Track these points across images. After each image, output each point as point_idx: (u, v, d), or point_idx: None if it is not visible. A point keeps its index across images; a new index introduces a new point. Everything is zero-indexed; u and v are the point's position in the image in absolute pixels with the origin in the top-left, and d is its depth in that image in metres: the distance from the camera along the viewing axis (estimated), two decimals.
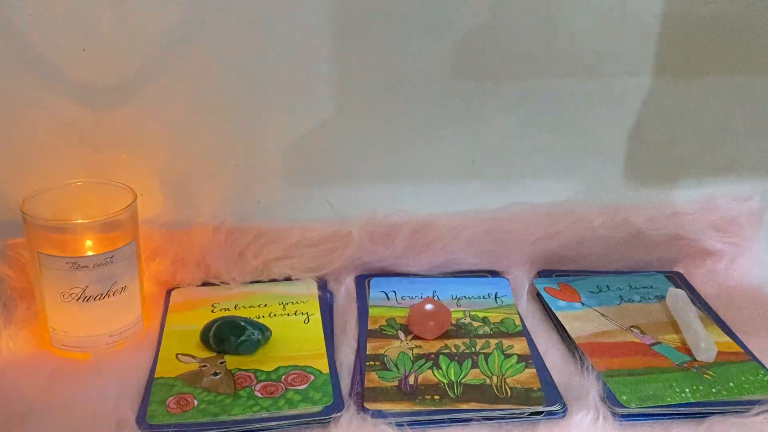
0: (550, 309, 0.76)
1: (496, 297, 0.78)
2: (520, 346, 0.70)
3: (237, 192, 0.78)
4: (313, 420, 0.61)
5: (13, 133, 0.72)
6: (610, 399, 0.63)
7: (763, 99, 0.80)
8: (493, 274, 0.82)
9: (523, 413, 0.62)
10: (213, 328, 0.69)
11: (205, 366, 0.66)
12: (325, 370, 0.66)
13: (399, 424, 0.60)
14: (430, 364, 0.67)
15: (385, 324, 0.73)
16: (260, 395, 0.63)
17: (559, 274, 0.82)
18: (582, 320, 0.74)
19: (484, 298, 0.78)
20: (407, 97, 0.76)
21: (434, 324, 0.71)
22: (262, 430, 0.60)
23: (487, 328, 0.73)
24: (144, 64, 0.71)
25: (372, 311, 0.75)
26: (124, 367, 0.65)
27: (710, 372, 0.67)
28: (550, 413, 0.62)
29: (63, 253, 0.66)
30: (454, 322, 0.73)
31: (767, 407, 0.62)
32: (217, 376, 0.65)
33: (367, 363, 0.67)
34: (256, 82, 0.73)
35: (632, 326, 0.74)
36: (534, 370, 0.67)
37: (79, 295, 0.66)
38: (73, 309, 0.66)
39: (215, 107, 0.74)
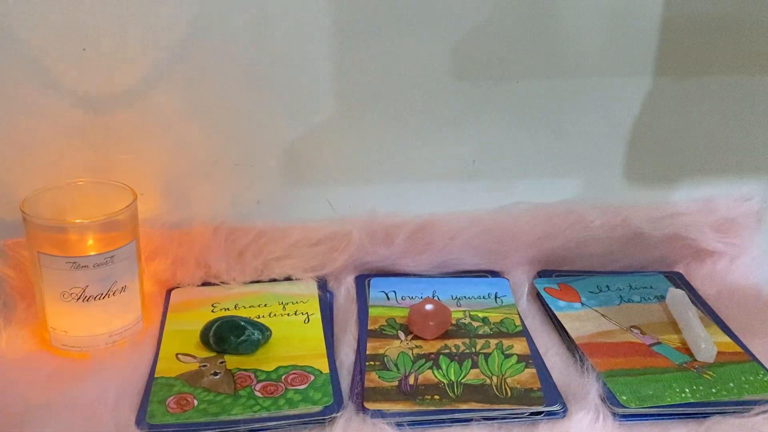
0: (550, 309, 0.76)
1: (496, 297, 0.78)
2: (520, 346, 0.70)
3: (237, 192, 0.78)
4: (313, 420, 0.61)
5: (14, 133, 0.72)
6: (610, 399, 0.63)
7: (763, 99, 0.80)
8: (493, 274, 0.82)
9: (523, 413, 0.62)
10: (213, 328, 0.69)
11: (205, 366, 0.66)
12: (325, 370, 0.66)
13: (399, 424, 0.60)
14: (430, 364, 0.67)
15: (385, 324, 0.73)
16: (260, 395, 0.63)
17: (559, 274, 0.82)
18: (582, 320, 0.74)
19: (484, 298, 0.78)
20: (407, 98, 0.76)
21: (434, 324, 0.71)
22: (262, 430, 0.60)
23: (487, 328, 0.73)
24: (144, 63, 0.71)
25: (372, 311, 0.75)
26: (124, 367, 0.65)
27: (710, 372, 0.67)
28: (550, 413, 0.62)
29: (63, 253, 0.65)
30: (454, 322, 0.73)
31: (767, 407, 0.62)
32: (217, 376, 0.65)
33: (367, 363, 0.67)
34: (256, 82, 0.73)
35: (632, 326, 0.74)
36: (534, 370, 0.67)
37: (79, 295, 0.66)
38: (73, 309, 0.66)
39: (215, 107, 0.74)
